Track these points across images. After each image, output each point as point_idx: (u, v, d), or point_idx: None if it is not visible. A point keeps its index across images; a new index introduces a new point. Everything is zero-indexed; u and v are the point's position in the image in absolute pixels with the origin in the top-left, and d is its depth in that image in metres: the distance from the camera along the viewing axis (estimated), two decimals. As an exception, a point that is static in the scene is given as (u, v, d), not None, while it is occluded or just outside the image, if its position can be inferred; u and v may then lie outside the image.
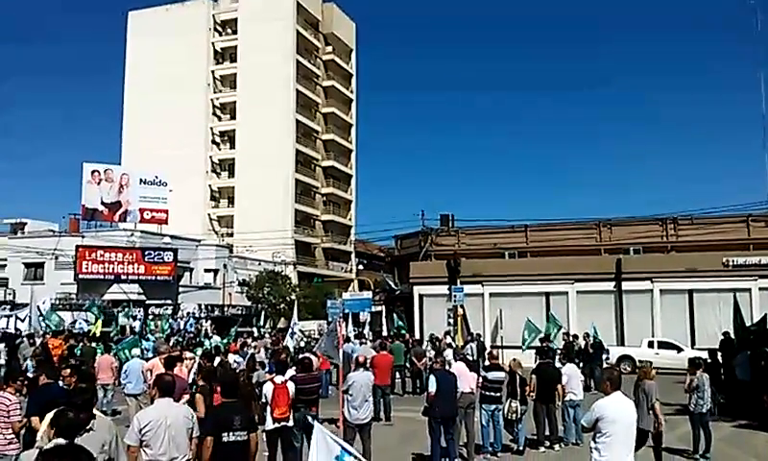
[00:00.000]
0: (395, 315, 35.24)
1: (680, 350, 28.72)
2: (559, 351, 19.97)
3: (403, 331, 30.94)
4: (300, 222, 70.18)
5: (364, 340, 27.50)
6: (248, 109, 69.53)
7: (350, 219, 79.97)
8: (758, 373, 17.30)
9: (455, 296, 32.43)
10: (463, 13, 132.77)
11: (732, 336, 21.00)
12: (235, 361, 17.99)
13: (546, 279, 34.48)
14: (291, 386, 10.56)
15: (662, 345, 29.89)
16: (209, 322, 39.16)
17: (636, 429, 7.50)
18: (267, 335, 31.95)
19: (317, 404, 11.20)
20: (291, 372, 11.91)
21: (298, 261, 66.13)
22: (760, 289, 30.96)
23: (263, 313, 45.37)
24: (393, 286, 47.78)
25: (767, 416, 15.30)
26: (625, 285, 33.70)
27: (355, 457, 5.75)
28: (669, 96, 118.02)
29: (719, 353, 19.46)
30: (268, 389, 10.57)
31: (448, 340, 28.84)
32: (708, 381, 13.00)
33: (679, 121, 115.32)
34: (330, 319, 31.98)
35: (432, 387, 11.45)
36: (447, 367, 12.92)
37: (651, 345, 30.20)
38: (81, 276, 45.68)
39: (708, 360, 17.45)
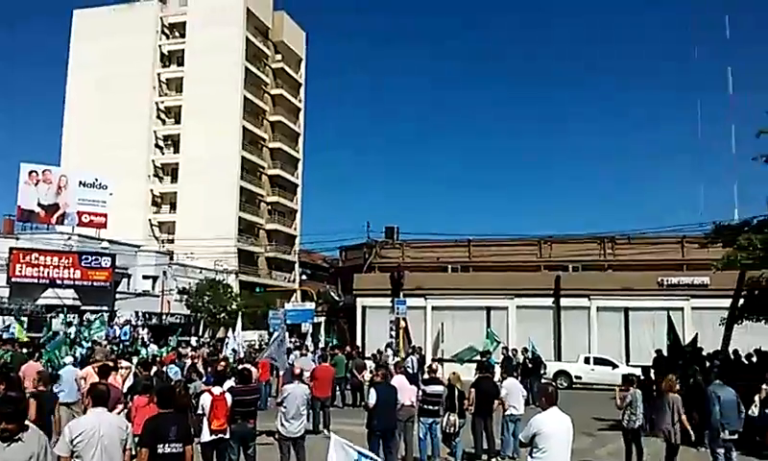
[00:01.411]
0: (322, 329, 35.24)
1: (615, 366, 29.40)
2: (498, 366, 20.30)
3: (331, 345, 31.04)
4: (243, 230, 69.41)
5: (305, 351, 27.33)
6: (193, 114, 68.52)
7: (295, 229, 79.48)
8: (689, 390, 17.84)
9: (398, 308, 32.59)
10: (418, 27, 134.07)
11: (665, 354, 21.63)
12: (171, 370, 17.61)
13: (487, 294, 34.96)
14: (229, 397, 10.42)
15: (598, 361, 30.57)
16: (146, 330, 38.29)
17: (569, 444, 7.60)
18: (206, 345, 31.47)
19: (255, 417, 11.06)
20: (230, 383, 11.77)
21: (240, 270, 65.32)
22: (693, 308, 32.01)
23: (202, 322, 44.61)
24: (336, 298, 47.61)
25: (696, 432, 15.74)
26: (563, 302, 34.45)
27: (372, 459, 6.16)
28: (613, 122, 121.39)
29: (652, 371, 19.98)
30: (205, 400, 10.41)
31: (389, 352, 29.00)
32: (641, 398, 13.32)
33: (615, 147, 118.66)
34: (272, 329, 31.72)
35: (372, 400, 11.47)
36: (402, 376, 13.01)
37: (587, 361, 30.87)
38: (14, 279, 44.07)
39: (642, 377, 17.92)
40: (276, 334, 19.97)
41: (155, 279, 53.39)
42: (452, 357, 27.02)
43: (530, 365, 24.18)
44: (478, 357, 25.26)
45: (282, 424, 11.22)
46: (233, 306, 52.34)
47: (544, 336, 33.17)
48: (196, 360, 20.59)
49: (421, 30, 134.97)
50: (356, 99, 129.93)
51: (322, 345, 32.14)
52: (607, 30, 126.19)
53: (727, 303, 22.30)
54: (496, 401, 13.54)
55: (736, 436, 11.88)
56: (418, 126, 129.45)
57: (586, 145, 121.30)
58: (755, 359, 20.26)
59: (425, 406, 12.80)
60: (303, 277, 77.40)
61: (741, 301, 20.89)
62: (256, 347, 33.24)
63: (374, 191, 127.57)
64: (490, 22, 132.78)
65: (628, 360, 31.21)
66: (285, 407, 11.24)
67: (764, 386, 12.42)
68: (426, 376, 14.32)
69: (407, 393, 12.55)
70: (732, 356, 20.44)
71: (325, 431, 16.13)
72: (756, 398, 12.88)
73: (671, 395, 12.18)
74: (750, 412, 12.67)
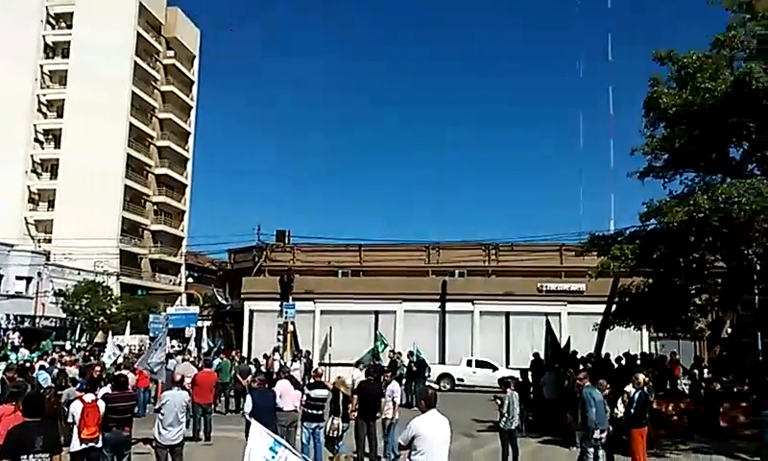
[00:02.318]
0: (204, 333, 34.56)
1: (495, 368, 30.40)
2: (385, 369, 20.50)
3: (214, 350, 30.55)
4: (127, 231, 66.74)
5: (188, 356, 26.58)
6: (77, 109, 64.93)
7: (183, 230, 77.27)
8: (563, 392, 18.68)
9: (286, 312, 32.30)
10: (311, 31, 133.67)
11: (543, 357, 22.59)
12: (41, 376, 16.69)
13: (376, 299, 35.32)
14: (101, 405, 9.99)
15: (480, 364, 31.53)
16: (17, 333, 36.11)
17: (447, 446, 7.75)
18: (82, 350, 30.07)
19: (130, 424, 10.65)
20: (106, 389, 11.29)
21: (122, 272, 62.75)
22: (569, 314, 33.60)
23: (80, 326, 42.53)
24: (223, 301, 46.62)
25: (569, 432, 16.49)
26: (449, 306, 35.33)
27: (286, 447, 6.60)
28: (497, 129, 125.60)
29: (530, 373, 20.80)
30: (76, 408, 9.95)
31: (277, 357, 28.71)
32: (518, 399, 13.79)
33: (500, 157, 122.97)
34: (152, 334, 30.67)
35: (248, 406, 11.38)
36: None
37: (469, 363, 31.77)
38: None
39: (520, 379, 18.62)
40: (156, 340, 19.30)
41: (29, 279, 50.50)
42: (356, 363, 27.14)
43: (414, 368, 24.59)
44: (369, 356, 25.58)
45: (160, 432, 10.87)
46: (113, 310, 50.23)
47: (430, 340, 33.94)
48: (68, 366, 19.62)
49: (314, 28, 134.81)
50: (249, 99, 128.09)
51: (205, 349, 31.36)
52: (499, 46, 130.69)
53: (601, 308, 23.60)
54: (380, 404, 13.62)
55: (605, 435, 12.48)
56: (310, 128, 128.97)
57: (476, 157, 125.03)
58: (623, 362, 21.45)
59: (309, 411, 12.74)
60: (190, 279, 75.21)
61: (614, 307, 22.15)
62: (136, 352, 32.07)
63: (266, 194, 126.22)
64: (367, 21, 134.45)
65: (508, 363, 32.35)
66: (163, 414, 10.91)
67: (628, 387, 13.12)
68: (312, 380, 14.26)
69: (291, 397, 12.46)
70: (604, 360, 21.57)
71: (204, 438, 15.79)
72: (620, 400, 13.59)
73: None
74: (614, 413, 13.35)
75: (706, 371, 22.39)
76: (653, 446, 13.74)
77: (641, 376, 12.55)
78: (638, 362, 21.24)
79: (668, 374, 21.97)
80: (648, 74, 18.69)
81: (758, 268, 19.55)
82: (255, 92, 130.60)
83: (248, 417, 11.25)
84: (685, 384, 21.02)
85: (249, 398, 11.55)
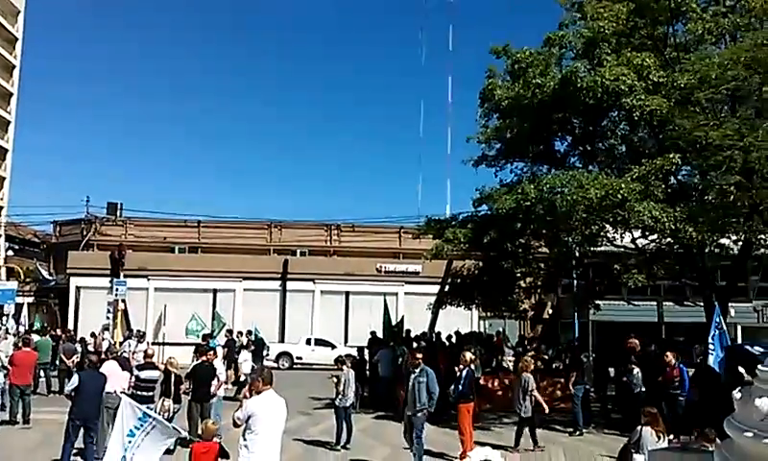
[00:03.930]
0: (25, 309, 32.34)
1: (333, 347, 30.82)
2: (222, 348, 20.20)
3: (36, 327, 28.66)
4: (-65, 197, 60.44)
5: (6, 335, 24.63)
6: None
7: (2, 198, 71.08)
8: (397, 369, 19.30)
9: (117, 289, 30.84)
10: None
11: (380, 336, 23.20)
12: None
13: (215, 276, 34.57)
14: None
15: (319, 342, 31.85)
16: None
17: (282, 426, 7.76)
18: None
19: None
20: None
21: (-72, 242, 56.84)
22: (406, 294, 34.68)
23: None
24: (47, 276, 43.55)
25: (402, 408, 17.05)
26: (290, 285, 35.32)
27: (154, 418, 7.65)
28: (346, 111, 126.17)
29: (366, 351, 21.27)
30: None
31: (107, 335, 27.34)
32: (354, 377, 14.08)
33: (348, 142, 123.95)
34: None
35: (70, 387, 10.85)
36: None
37: (309, 342, 32.01)
38: None
39: (357, 357, 19.00)
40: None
41: None
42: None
43: (253, 347, 24.32)
44: (205, 331, 25.00)
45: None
46: None
47: (271, 318, 33.83)
48: None
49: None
50: (81, 64, 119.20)
51: (25, 327, 29.22)
52: (347, 32, 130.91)
53: (435, 289, 24.59)
54: (214, 384, 13.39)
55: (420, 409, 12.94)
56: (145, 96, 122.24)
57: (325, 143, 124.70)
58: (454, 340, 22.50)
59: (138, 392, 12.21)
60: (10, 252, 69.46)
61: (447, 288, 23.15)
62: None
63: (97, 163, 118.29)
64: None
65: (347, 341, 32.90)
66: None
67: (459, 366, 13.75)
68: (142, 360, 13.72)
69: (119, 379, 11.92)
70: (436, 338, 22.50)
71: (22, 422, 14.78)
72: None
73: (524, 374, 13.47)
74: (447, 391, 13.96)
75: (528, 348, 23.96)
76: (478, 419, 14.53)
77: (468, 355, 13.19)
78: (467, 340, 22.34)
79: (495, 351, 23.30)
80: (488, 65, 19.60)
81: (577, 254, 21.26)
82: (87, 52, 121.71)
83: (67, 396, 10.70)
84: (510, 361, 22.40)
85: (75, 377, 10.89)
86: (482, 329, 31.19)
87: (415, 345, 20.86)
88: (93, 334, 26.16)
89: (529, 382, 13.45)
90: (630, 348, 16.74)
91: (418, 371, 11.70)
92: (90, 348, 22.32)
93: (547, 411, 13.76)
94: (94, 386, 10.95)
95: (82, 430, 10.82)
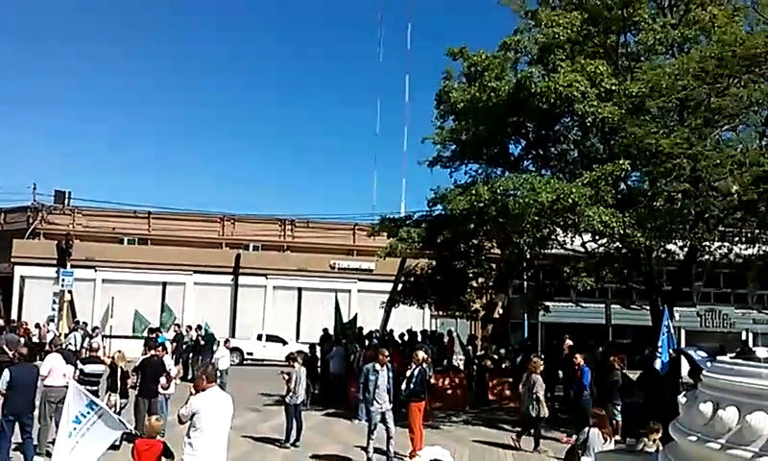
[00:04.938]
0: None
1: (285, 343, 30.62)
2: (171, 343, 19.91)
3: None
4: None
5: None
6: None
7: (-58, 183, 68.80)
8: (349, 366, 19.31)
9: (63, 280, 30.15)
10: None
11: (331, 332, 23.15)
12: None
13: (165, 269, 34.02)
14: None
15: (270, 338, 31.63)
16: None
17: (227, 423, 7.70)
18: None
19: None
20: None
21: None
22: (359, 291, 34.66)
23: None
24: (-11, 265, 42.23)
25: (354, 406, 17.02)
26: (242, 280, 34.98)
27: (101, 407, 7.87)
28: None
29: (318, 347, 21.21)
30: None
31: (52, 327, 26.72)
32: (305, 374, 14.01)
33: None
34: None
35: (2, 383, 10.52)
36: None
37: (260, 338, 31.78)
38: None
39: (309, 354, 18.92)
40: None
41: None
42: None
43: (202, 342, 24.05)
44: (151, 325, 24.57)
45: None
46: None
47: (222, 313, 33.44)
48: None
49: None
50: (32, 36, 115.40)
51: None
52: (304, 26, 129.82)
53: (389, 287, 24.67)
54: (162, 379, 13.17)
55: (391, 406, 12.95)
56: (93, 82, 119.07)
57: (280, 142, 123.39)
58: (406, 338, 22.59)
59: (83, 387, 11.97)
60: (-50, 239, 67.27)
61: (400, 286, 23.23)
62: None
63: (44, 149, 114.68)
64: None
65: (299, 337, 32.74)
66: None
67: (412, 364, 13.80)
68: (86, 354, 13.43)
69: (61, 372, 11.63)
70: (388, 336, 22.56)
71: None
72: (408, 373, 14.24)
73: (534, 375, 13.80)
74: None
75: (479, 348, 24.22)
76: (428, 418, 14.62)
77: (421, 354, 13.28)
78: (419, 338, 22.45)
79: (446, 350, 23.47)
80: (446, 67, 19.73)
81: (528, 256, 21.57)
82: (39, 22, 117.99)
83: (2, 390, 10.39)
84: (460, 360, 22.58)
85: (6, 372, 10.56)
86: (434, 328, 31.37)
87: (366, 342, 20.97)
88: (38, 325, 25.54)
89: (537, 384, 13.67)
90: (563, 347, 17.38)
91: (385, 368, 12.03)
92: (34, 339, 21.77)
93: (547, 414, 14.09)
94: (26, 380, 10.66)
95: (17, 426, 10.53)
